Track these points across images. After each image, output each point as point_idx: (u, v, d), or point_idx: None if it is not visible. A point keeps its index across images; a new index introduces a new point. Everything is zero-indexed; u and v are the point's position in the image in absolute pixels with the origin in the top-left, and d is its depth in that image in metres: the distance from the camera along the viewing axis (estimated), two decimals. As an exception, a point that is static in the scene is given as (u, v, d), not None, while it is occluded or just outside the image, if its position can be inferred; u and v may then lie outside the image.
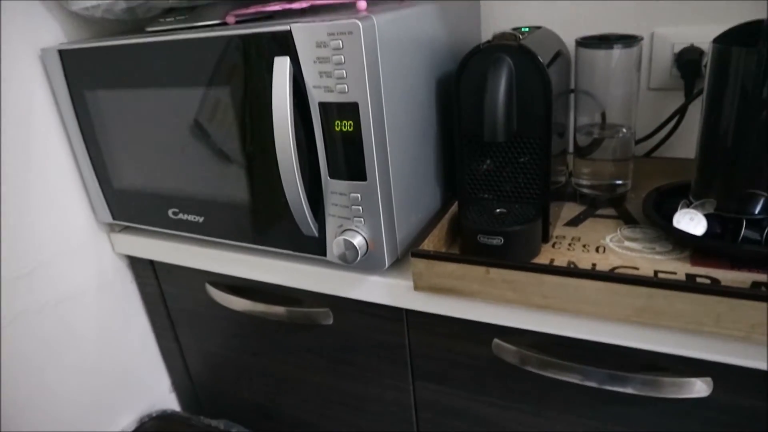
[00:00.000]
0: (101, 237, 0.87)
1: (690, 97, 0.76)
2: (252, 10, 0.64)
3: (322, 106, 0.55)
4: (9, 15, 0.72)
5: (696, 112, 0.73)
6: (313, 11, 0.63)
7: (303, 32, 0.53)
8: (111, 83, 0.70)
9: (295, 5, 0.60)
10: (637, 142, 0.79)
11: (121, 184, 0.78)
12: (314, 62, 0.53)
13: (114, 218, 0.82)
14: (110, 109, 0.72)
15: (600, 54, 0.68)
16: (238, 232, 0.70)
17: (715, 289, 0.48)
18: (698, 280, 0.56)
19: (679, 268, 0.59)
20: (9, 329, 0.76)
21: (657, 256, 0.61)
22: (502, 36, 0.60)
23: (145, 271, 0.91)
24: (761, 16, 0.60)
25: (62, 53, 0.72)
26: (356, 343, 0.74)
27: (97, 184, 0.80)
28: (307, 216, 0.60)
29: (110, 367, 0.92)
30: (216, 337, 0.90)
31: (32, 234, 0.78)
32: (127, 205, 0.79)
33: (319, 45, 0.52)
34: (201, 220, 0.72)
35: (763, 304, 0.46)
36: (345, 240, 0.59)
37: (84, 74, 0.72)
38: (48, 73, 0.76)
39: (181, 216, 0.74)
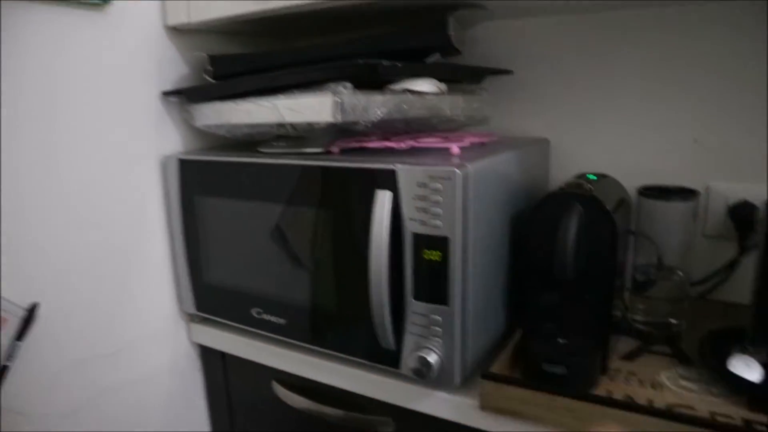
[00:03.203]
0: (180, 325, 0.95)
1: (743, 249, 0.81)
2: (354, 143, 0.73)
3: (416, 236, 0.62)
4: (143, 124, 0.85)
5: (750, 260, 0.79)
6: (411, 151, 0.72)
7: (406, 173, 0.62)
8: (220, 192, 0.80)
9: (394, 145, 0.70)
10: (693, 284, 0.84)
11: (211, 280, 0.86)
12: (413, 198, 0.61)
13: (197, 309, 0.90)
14: (215, 213, 0.82)
15: (659, 204, 0.75)
16: (317, 337, 0.76)
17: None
18: (756, 427, 0.58)
19: (736, 412, 0.61)
20: (91, 404, 0.81)
21: (713, 398, 0.64)
22: (574, 184, 0.68)
23: (214, 361, 0.96)
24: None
25: (181, 161, 0.83)
26: (414, 454, 0.77)
27: (188, 277, 0.88)
28: (389, 331, 0.66)
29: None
30: (273, 432, 0.94)
31: (123, 317, 0.85)
32: (213, 299, 0.87)
33: (419, 185, 0.61)
34: (283, 322, 0.79)
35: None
36: (421, 357, 0.64)
37: (197, 181, 0.83)
38: (165, 176, 0.87)
39: (264, 316, 0.81)
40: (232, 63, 0.81)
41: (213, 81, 0.82)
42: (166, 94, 0.85)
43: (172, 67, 0.88)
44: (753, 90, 0.81)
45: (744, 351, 0.66)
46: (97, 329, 0.81)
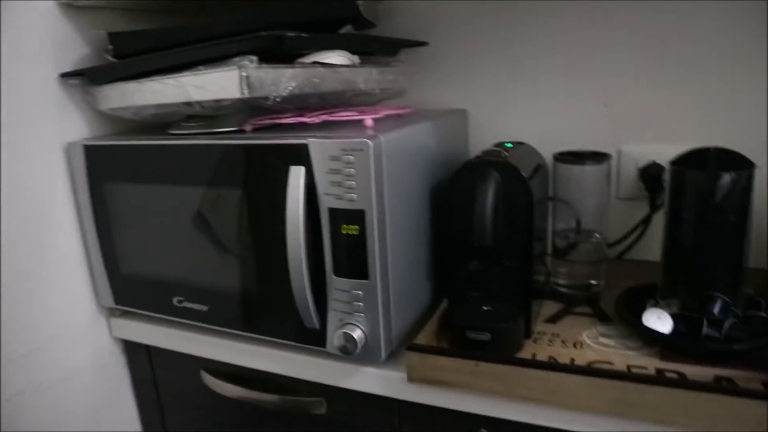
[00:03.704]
0: (100, 321, 0.90)
1: (653, 208, 0.85)
2: (267, 121, 0.71)
3: (332, 211, 0.61)
4: (41, 110, 0.79)
5: (661, 219, 0.82)
6: (324, 125, 0.71)
7: (318, 146, 0.60)
8: (131, 177, 0.76)
9: (307, 119, 0.68)
10: (609, 245, 0.87)
11: (129, 270, 0.82)
12: (327, 173, 0.60)
13: (116, 303, 0.86)
14: (127, 200, 0.78)
15: (574, 169, 0.77)
16: (241, 322, 0.74)
17: (681, 383, 0.54)
18: (667, 374, 0.61)
19: (649, 363, 0.64)
20: (5, 409, 0.76)
21: (629, 352, 0.67)
22: (490, 152, 0.69)
23: (139, 355, 0.93)
24: (707, 139, 0.70)
25: (87, 148, 0.79)
26: (348, 432, 0.76)
27: (103, 269, 0.84)
28: (311, 310, 0.65)
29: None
30: (206, 424, 0.91)
31: (34, 316, 0.80)
32: (132, 291, 0.83)
33: (332, 158, 0.59)
34: (206, 309, 0.76)
35: (725, 398, 0.51)
36: (345, 333, 0.63)
37: (105, 167, 0.78)
38: (71, 164, 0.82)
39: (186, 304, 0.78)
40: (133, 40, 0.77)
41: (115, 60, 0.77)
42: (65, 75, 0.79)
43: (70, 47, 0.82)
44: (659, 55, 0.84)
45: (656, 305, 0.69)
46: (6, 330, 0.76)
